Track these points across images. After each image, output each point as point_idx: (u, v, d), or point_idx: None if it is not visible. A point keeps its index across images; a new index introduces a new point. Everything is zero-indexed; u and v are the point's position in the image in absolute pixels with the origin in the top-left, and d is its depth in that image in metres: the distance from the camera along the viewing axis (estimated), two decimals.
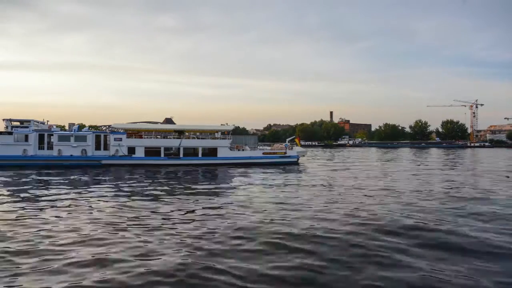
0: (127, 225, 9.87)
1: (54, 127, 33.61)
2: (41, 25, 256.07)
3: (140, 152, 31.41)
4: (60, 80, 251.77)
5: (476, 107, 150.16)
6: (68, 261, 6.99)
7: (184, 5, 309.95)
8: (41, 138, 30.51)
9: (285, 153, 35.08)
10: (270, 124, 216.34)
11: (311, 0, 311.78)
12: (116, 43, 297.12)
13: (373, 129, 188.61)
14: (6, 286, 5.92)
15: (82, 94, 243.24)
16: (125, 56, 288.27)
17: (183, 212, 11.66)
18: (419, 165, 35.81)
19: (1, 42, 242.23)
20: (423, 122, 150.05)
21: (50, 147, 30.43)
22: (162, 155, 32.03)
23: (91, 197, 14.59)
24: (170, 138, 34.71)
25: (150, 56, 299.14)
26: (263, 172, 25.97)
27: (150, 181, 20.37)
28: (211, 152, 33.23)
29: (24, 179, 20.43)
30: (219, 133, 37.09)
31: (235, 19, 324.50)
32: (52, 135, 30.58)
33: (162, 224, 10.00)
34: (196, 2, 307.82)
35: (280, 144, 42.27)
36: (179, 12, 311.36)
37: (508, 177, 23.12)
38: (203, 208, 12.44)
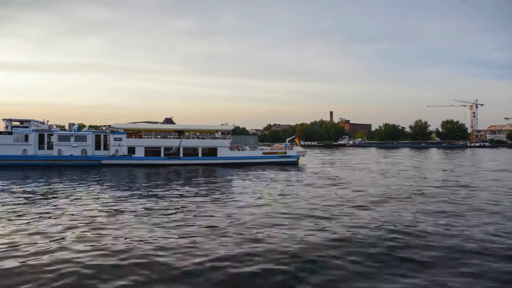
0: (127, 224, 9.89)
1: (54, 127, 33.60)
2: (57, 29, 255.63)
3: (140, 152, 31.42)
4: (63, 81, 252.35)
5: (476, 107, 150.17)
6: (68, 261, 7.01)
7: (194, 9, 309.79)
8: (41, 138, 30.51)
9: (285, 153, 35.10)
10: (270, 124, 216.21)
11: (320, 3, 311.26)
12: (129, 45, 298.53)
13: (373, 129, 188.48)
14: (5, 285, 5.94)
15: (83, 95, 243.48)
16: (130, 57, 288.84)
17: (182, 212, 11.67)
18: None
19: (17, 44, 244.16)
20: (423, 122, 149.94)
21: (50, 147, 30.44)
22: (162, 155, 32.04)
23: (90, 197, 14.60)
24: (170, 138, 34.77)
25: (152, 57, 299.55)
26: (263, 172, 25.97)
27: (150, 181, 20.35)
28: (211, 152, 33.26)
29: (23, 179, 20.41)
30: (219, 133, 37.12)
31: (238, 24, 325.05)
32: (52, 135, 30.58)
33: (163, 223, 10.01)
34: (205, 7, 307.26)
35: (280, 144, 42.27)
36: (190, 16, 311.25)
37: None
38: (203, 207, 12.45)
